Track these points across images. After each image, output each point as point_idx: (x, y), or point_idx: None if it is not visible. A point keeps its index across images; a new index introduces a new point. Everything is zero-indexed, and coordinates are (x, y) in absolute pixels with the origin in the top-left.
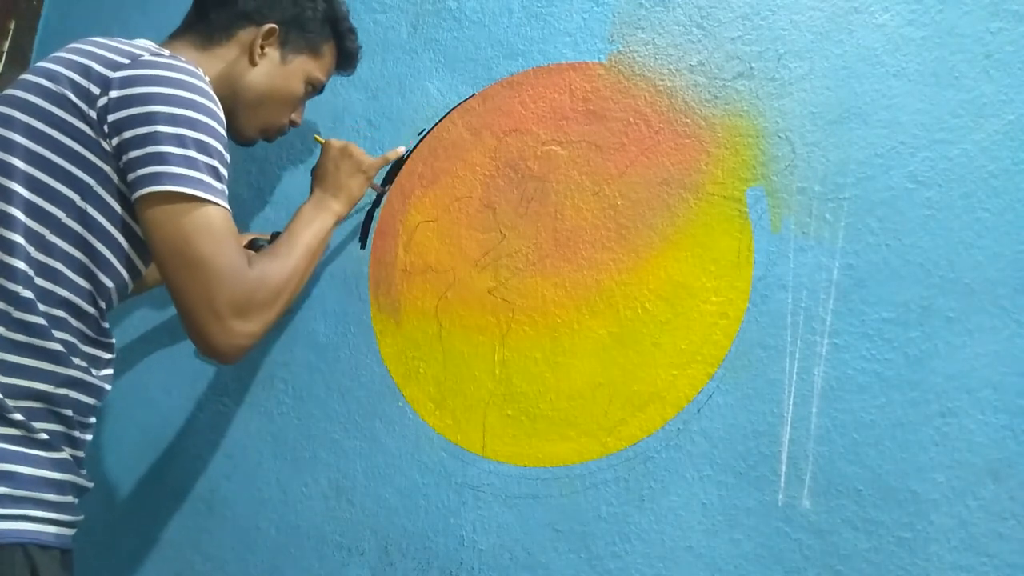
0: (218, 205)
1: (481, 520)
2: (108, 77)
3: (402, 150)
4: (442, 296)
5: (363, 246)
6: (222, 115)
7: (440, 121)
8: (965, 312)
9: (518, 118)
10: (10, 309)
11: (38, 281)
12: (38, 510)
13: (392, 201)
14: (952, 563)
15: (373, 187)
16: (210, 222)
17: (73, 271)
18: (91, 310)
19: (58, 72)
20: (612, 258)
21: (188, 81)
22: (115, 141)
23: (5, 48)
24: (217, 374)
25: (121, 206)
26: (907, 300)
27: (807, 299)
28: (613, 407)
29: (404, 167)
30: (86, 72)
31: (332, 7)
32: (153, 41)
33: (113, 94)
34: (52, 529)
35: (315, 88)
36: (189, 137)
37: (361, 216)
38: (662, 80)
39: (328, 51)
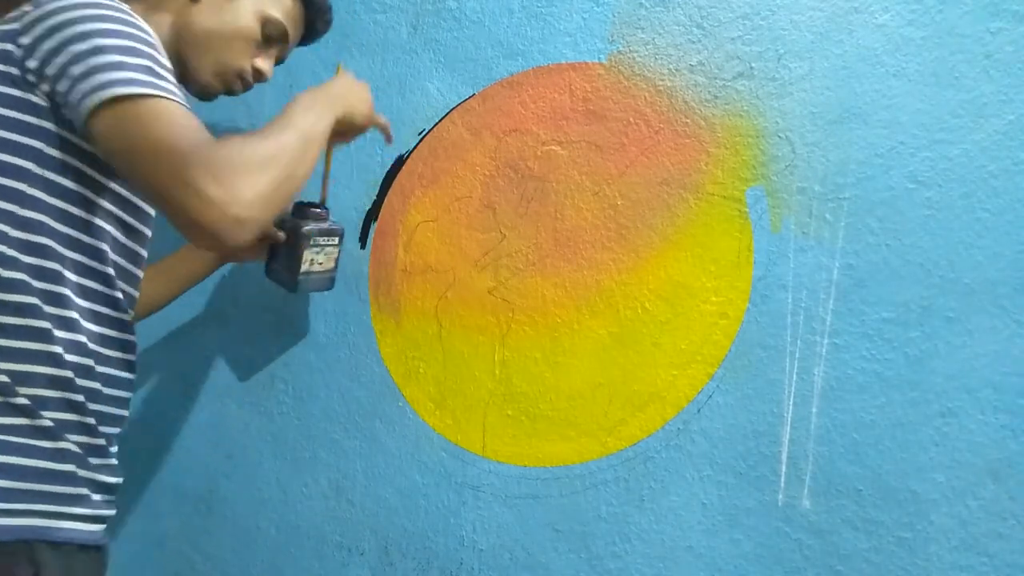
0: (162, 97)
1: (481, 520)
2: (16, 28)
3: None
4: (442, 296)
5: (363, 246)
6: (142, 24)
7: (439, 121)
8: (965, 312)
9: (518, 118)
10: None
11: (27, 260)
12: (47, 504)
13: (392, 201)
14: (952, 563)
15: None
16: (158, 111)
17: (64, 245)
18: (95, 284)
19: None
20: (612, 258)
21: (89, 1)
22: (44, 87)
23: None
24: (217, 374)
25: (80, 160)
26: (907, 300)
27: (807, 299)
28: (613, 407)
29: (404, 167)
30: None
31: None
32: None
33: (24, 40)
34: (66, 524)
35: (274, 29)
36: (106, 45)
37: (361, 216)
38: (662, 80)
39: None
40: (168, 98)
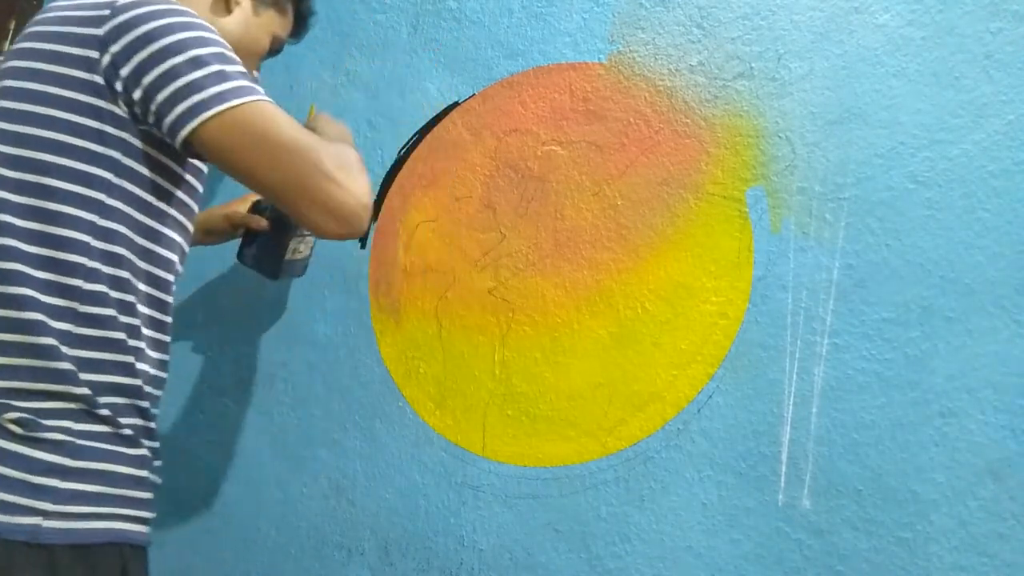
0: (266, 101)
1: (481, 520)
2: (99, 35)
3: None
4: (442, 296)
5: (363, 246)
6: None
7: (439, 122)
8: (965, 312)
9: (518, 118)
10: (75, 305)
11: (107, 271)
12: (130, 508)
13: (392, 201)
14: (952, 563)
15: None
16: (268, 112)
17: (136, 254)
18: (156, 292)
19: (47, 50)
20: (612, 258)
21: (171, 8)
22: (137, 94)
23: (5, 48)
24: (217, 374)
25: (152, 171)
26: (907, 300)
27: (807, 299)
28: (613, 407)
29: (404, 167)
30: (74, 39)
31: None
32: None
33: (113, 49)
34: (142, 528)
35: (277, 46)
36: (204, 55)
37: None
38: (662, 80)
39: (290, 11)
40: (269, 100)
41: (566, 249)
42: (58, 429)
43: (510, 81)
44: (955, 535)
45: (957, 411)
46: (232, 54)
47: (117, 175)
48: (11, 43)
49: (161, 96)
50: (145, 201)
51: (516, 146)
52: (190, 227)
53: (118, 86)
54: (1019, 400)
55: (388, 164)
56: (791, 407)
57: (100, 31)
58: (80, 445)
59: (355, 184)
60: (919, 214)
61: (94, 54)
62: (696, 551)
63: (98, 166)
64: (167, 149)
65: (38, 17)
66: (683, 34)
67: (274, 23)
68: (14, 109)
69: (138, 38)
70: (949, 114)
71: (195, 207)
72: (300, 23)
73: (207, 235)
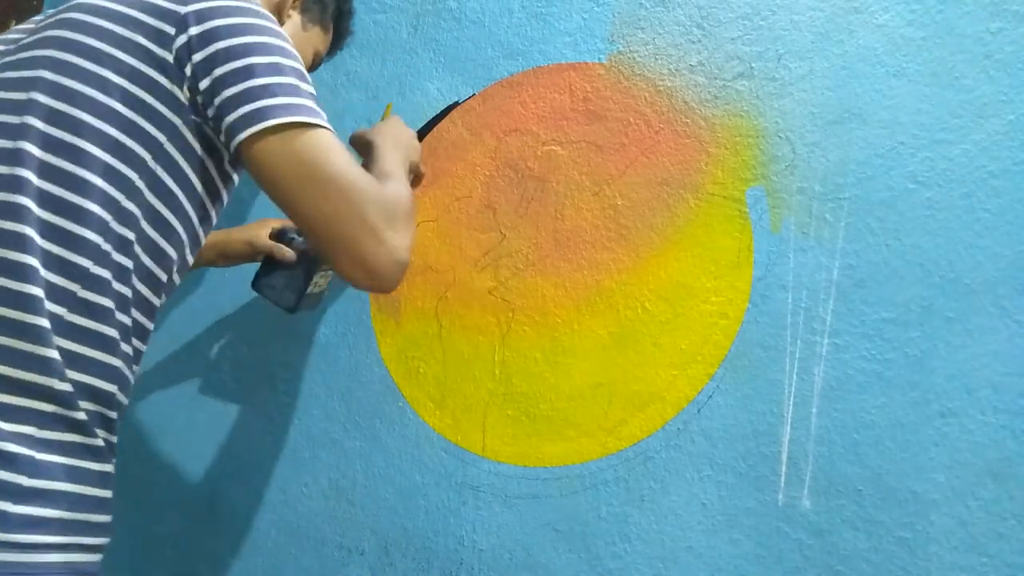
0: (329, 129)
1: (481, 520)
2: (180, 13)
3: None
4: (442, 296)
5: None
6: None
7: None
8: (965, 312)
9: (518, 118)
10: (75, 287)
11: (115, 257)
12: (90, 535)
13: None
14: (952, 563)
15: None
16: (331, 143)
17: (142, 246)
18: (149, 294)
19: (116, 10)
20: (612, 258)
21: (259, 10)
22: (204, 83)
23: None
24: (217, 374)
25: (189, 165)
26: (907, 300)
27: (807, 299)
28: (613, 407)
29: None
30: (152, 9)
31: None
32: None
33: (193, 31)
34: (97, 557)
35: (316, 62)
36: (286, 65)
37: None
38: (662, 80)
39: (331, 29)
40: (332, 130)
41: (566, 249)
42: (15, 437)
43: (510, 81)
44: (955, 535)
45: (957, 411)
46: (307, 73)
47: (155, 158)
48: None
49: (230, 91)
50: (173, 194)
51: (516, 146)
52: (202, 238)
53: (187, 69)
54: (1019, 400)
55: None
56: (791, 407)
57: (182, 9)
58: (39, 461)
59: (397, 239)
60: (919, 214)
61: (169, 29)
62: (696, 551)
63: (139, 142)
64: (213, 151)
65: None
66: (683, 34)
67: (317, 40)
68: (64, 60)
69: (222, 27)
70: (949, 114)
71: (214, 221)
72: (338, 41)
73: (220, 257)
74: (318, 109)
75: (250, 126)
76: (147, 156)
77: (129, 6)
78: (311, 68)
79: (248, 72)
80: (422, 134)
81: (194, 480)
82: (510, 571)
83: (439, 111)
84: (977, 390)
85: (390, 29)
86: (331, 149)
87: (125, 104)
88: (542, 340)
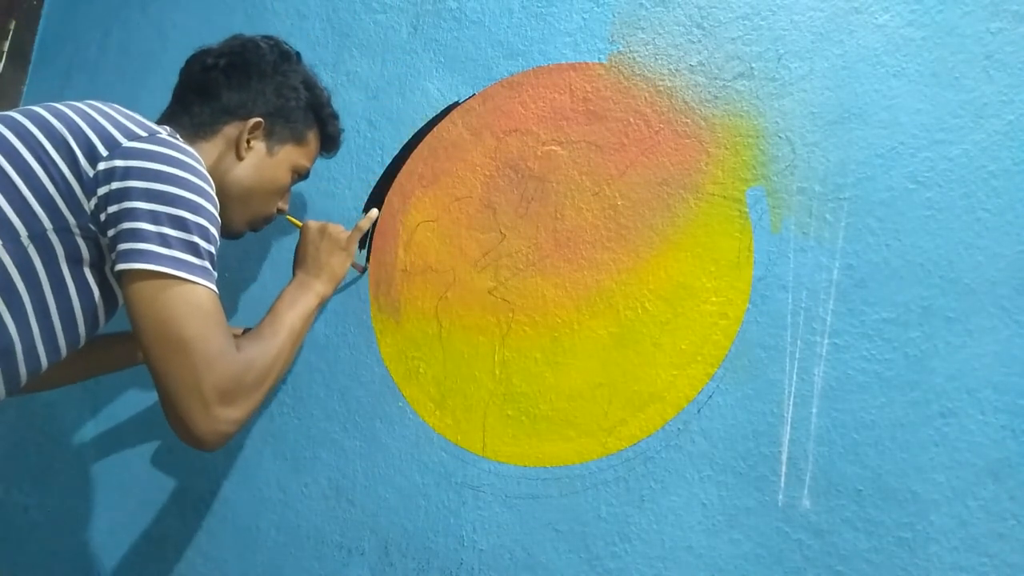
0: (200, 284)
1: (481, 520)
2: (120, 144)
3: (375, 214)
4: (442, 296)
5: (363, 247)
6: (214, 195)
7: (438, 123)
8: (965, 312)
9: (518, 118)
10: None
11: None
12: None
13: (392, 201)
14: (952, 563)
15: (355, 267)
16: (193, 302)
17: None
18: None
19: (67, 115)
20: (612, 258)
21: (194, 165)
22: (112, 208)
23: (5, 48)
24: None
25: (68, 263)
26: (907, 300)
27: (807, 299)
28: (613, 407)
29: (404, 167)
30: (96, 128)
31: (314, 94)
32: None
33: (119, 163)
34: None
35: (300, 175)
36: (191, 221)
37: (361, 216)
38: (662, 80)
39: (312, 138)
40: (203, 284)
41: (566, 249)
42: None
43: (510, 81)
44: (955, 535)
45: (957, 411)
46: (201, 222)
47: (30, 237)
48: (10, 43)
49: (129, 225)
50: (35, 277)
51: (516, 146)
52: (59, 337)
53: (101, 190)
54: (1019, 400)
55: (388, 164)
56: (791, 407)
57: (124, 142)
58: None
59: (226, 413)
60: (919, 214)
61: (103, 150)
62: (696, 551)
63: (21, 218)
64: (100, 257)
65: (91, 101)
66: (683, 34)
67: (292, 156)
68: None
69: (150, 170)
70: (949, 114)
71: (101, 309)
72: (330, 143)
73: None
74: (190, 260)
75: (129, 262)
76: (23, 232)
77: (80, 117)
78: (297, 180)
79: (153, 217)
80: (370, 204)
81: (194, 480)
82: (510, 571)
83: (384, 171)
84: (977, 390)
85: (390, 29)
86: (195, 311)
87: (24, 178)
88: (542, 340)
